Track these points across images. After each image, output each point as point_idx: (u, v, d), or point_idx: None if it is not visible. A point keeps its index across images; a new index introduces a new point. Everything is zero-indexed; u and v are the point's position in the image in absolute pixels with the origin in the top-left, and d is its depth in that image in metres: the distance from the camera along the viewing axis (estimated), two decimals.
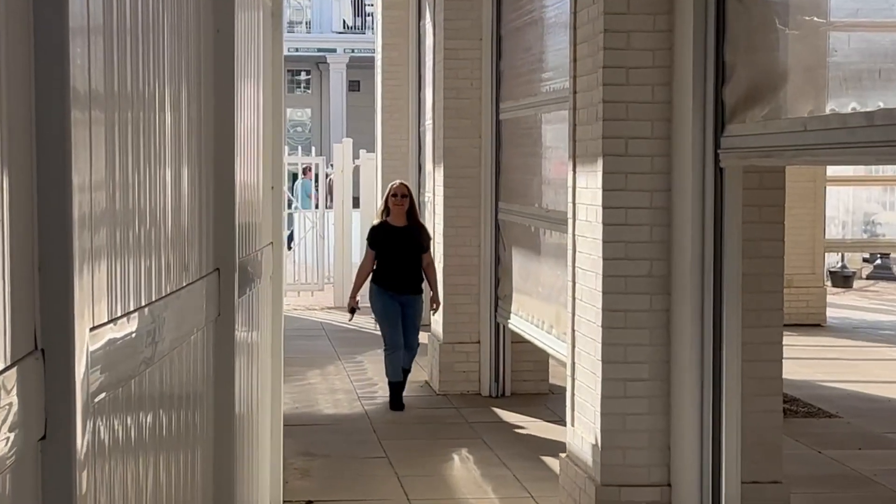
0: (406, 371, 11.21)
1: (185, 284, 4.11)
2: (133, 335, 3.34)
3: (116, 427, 3.16)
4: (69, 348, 2.54)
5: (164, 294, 3.76)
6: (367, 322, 16.82)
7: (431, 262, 11.36)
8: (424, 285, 11.31)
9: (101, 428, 2.98)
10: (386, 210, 11.19)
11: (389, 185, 11.53)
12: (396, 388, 11.06)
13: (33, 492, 2.49)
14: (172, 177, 3.91)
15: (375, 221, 11.43)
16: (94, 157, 2.87)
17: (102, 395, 2.96)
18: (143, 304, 3.46)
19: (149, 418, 3.62)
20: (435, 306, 11.57)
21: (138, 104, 3.42)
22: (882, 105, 5.05)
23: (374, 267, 11.17)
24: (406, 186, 11.41)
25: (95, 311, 2.91)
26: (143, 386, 3.48)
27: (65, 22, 2.51)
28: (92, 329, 2.80)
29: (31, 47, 2.46)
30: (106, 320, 3.01)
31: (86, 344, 2.67)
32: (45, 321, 2.50)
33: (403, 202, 11.07)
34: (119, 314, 3.16)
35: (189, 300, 4.18)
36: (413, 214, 11.24)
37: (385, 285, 11.04)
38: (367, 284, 11.37)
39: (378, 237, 11.15)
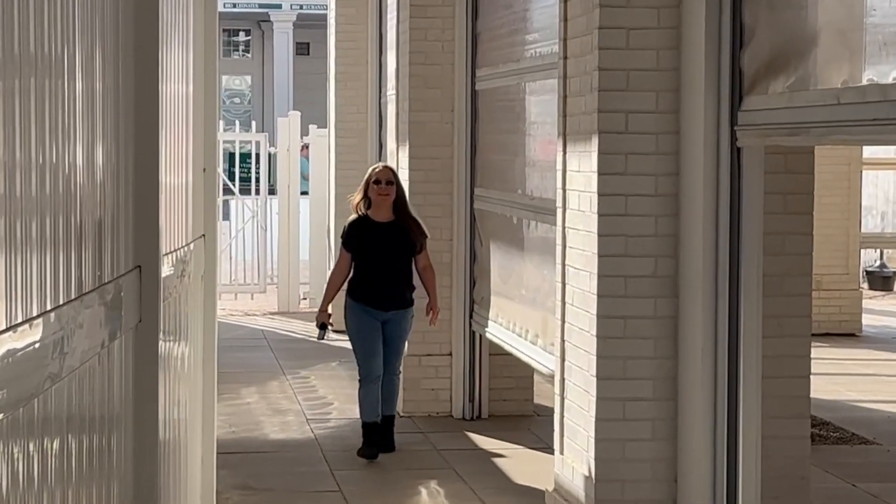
0: (388, 417, 10.23)
1: (99, 285, 4.10)
2: (37, 345, 3.32)
3: (16, 455, 3.14)
4: None
5: (74, 297, 3.74)
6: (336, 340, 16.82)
7: (429, 266, 10.45)
8: (416, 293, 10.41)
9: None
10: (366, 201, 10.21)
11: (370, 170, 10.56)
12: (370, 430, 10.06)
13: None
14: (84, 157, 3.89)
15: (353, 216, 10.41)
16: None
17: None
18: (48, 308, 3.45)
19: (55, 445, 3.59)
20: (433, 315, 10.56)
21: (43, 70, 3.40)
22: None
23: (351, 274, 10.24)
24: (392, 171, 10.60)
25: None
26: (48, 406, 3.46)
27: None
28: None
29: None
30: (3, 328, 3.00)
31: None
32: None
33: (389, 191, 10.12)
34: (19, 320, 3.14)
35: (103, 304, 4.16)
36: (402, 207, 10.24)
37: (364, 299, 10.08)
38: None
39: (356, 236, 10.22)
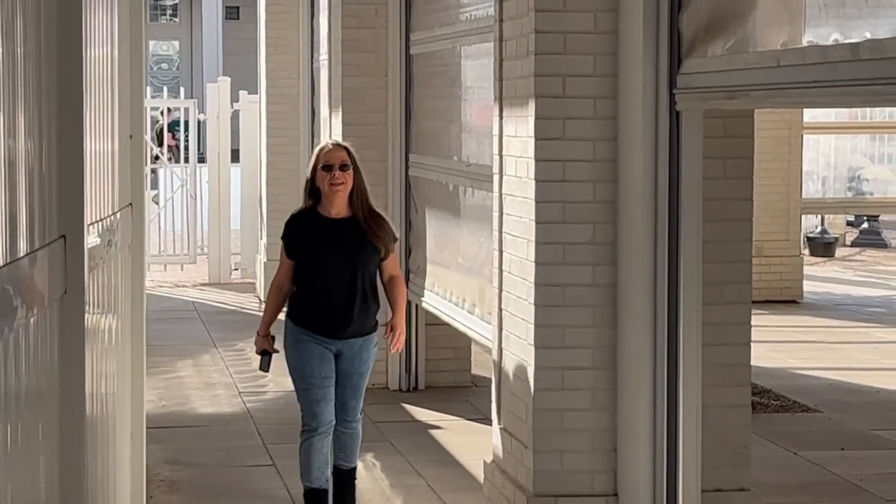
0: (346, 472, 7.78)
1: (21, 255, 4.07)
2: None
3: None
4: None
5: None
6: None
7: (397, 277, 7.81)
8: (381, 313, 7.87)
9: None
10: (314, 192, 7.62)
11: (317, 150, 7.83)
12: (316, 498, 7.63)
13: None
14: (3, 123, 3.86)
15: (296, 208, 7.86)
16: None
17: None
18: None
19: None
20: (393, 339, 7.74)
21: None
22: (869, 35, 5.10)
23: (294, 289, 7.68)
24: (347, 150, 7.63)
25: None
26: None
27: None
28: None
29: None
30: None
31: None
32: None
33: (344, 178, 7.44)
34: None
35: (27, 274, 4.14)
36: (361, 198, 7.53)
37: (309, 323, 7.48)
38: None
39: (299, 236, 7.59)
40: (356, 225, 7.48)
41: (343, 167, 7.42)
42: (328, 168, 7.42)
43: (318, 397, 7.47)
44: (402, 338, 7.78)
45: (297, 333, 7.52)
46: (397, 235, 7.98)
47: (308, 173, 7.71)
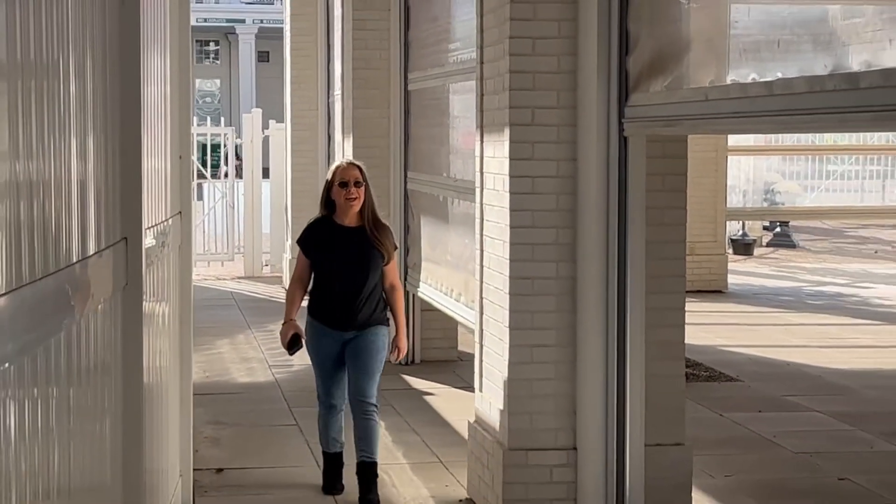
0: (368, 465, 7.26)
1: (91, 253, 4.07)
2: (40, 305, 3.30)
3: (21, 397, 3.11)
4: None
5: (73, 261, 3.72)
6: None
7: (397, 286, 7.40)
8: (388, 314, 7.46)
9: (10, 400, 2.94)
10: (329, 204, 7.30)
11: (333, 168, 7.41)
12: (332, 461, 7.49)
13: None
14: (78, 146, 3.86)
15: (314, 216, 7.55)
16: None
17: (5, 364, 2.91)
18: (53, 270, 3.42)
19: (55, 389, 3.57)
20: (398, 353, 7.43)
21: (42, 73, 3.37)
22: (780, 75, 5.11)
23: (311, 287, 7.43)
24: (359, 168, 7.31)
25: None
26: (49, 356, 3.43)
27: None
28: None
29: None
30: (4, 291, 2.96)
31: None
32: None
33: (358, 193, 7.15)
34: (21, 283, 3.11)
35: (98, 270, 4.13)
36: (371, 210, 7.26)
37: (323, 317, 7.24)
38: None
39: (316, 240, 7.28)
40: (365, 233, 7.15)
41: (357, 184, 7.13)
42: (344, 184, 7.12)
43: (331, 380, 7.29)
44: (404, 353, 7.49)
45: (314, 326, 7.29)
46: (397, 245, 7.58)
47: (325, 187, 7.34)
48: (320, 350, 7.28)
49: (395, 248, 7.40)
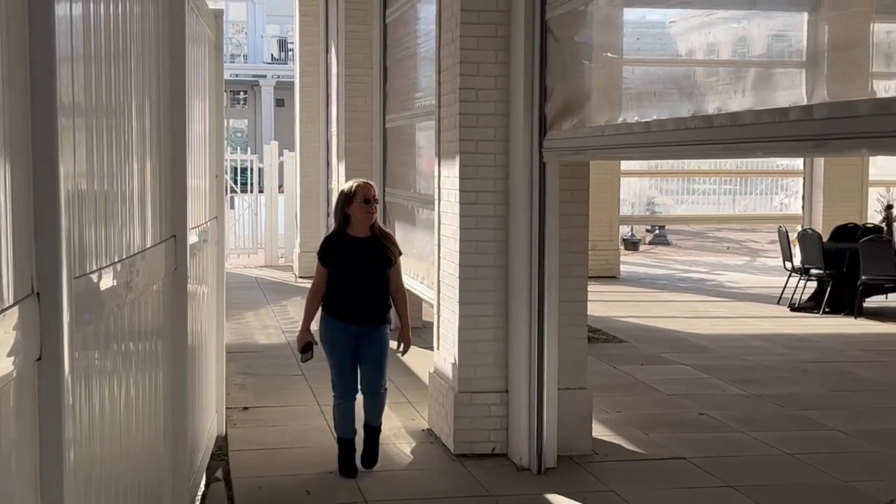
0: (373, 429, 6.55)
1: (150, 246, 4.06)
2: (114, 283, 3.30)
3: (95, 355, 3.11)
4: (58, 291, 2.50)
5: (134, 252, 3.72)
6: (301, 284, 16.72)
7: (401, 289, 6.52)
8: (392, 313, 6.62)
9: (84, 355, 2.93)
10: (344, 219, 6.37)
11: (352, 186, 6.39)
12: (346, 447, 6.45)
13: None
14: (138, 167, 3.85)
15: (329, 231, 6.62)
16: (77, 153, 2.83)
17: (85, 329, 2.91)
18: (118, 259, 3.42)
19: (122, 346, 3.57)
20: (403, 346, 6.52)
21: (111, 113, 3.36)
22: (656, 117, 5.15)
23: (327, 290, 6.39)
24: (374, 187, 6.50)
25: (80, 264, 2.86)
26: (117, 322, 3.43)
27: (52, 53, 2.47)
28: (76, 277, 2.76)
29: (27, 71, 2.42)
30: (87, 271, 2.97)
31: (71, 288, 2.63)
32: (40, 271, 2.46)
33: (375, 209, 6.37)
34: (98, 267, 3.11)
35: (154, 259, 4.13)
36: (376, 222, 6.45)
37: (338, 314, 6.34)
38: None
39: (333, 251, 6.35)
40: (375, 242, 6.34)
41: (375, 200, 6.34)
42: (368, 201, 6.26)
43: (346, 371, 6.36)
44: (409, 347, 6.52)
45: (331, 322, 6.35)
46: (401, 251, 6.56)
47: (342, 203, 6.35)
48: (337, 342, 6.33)
49: (400, 252, 6.50)
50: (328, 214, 15.88)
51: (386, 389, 6.56)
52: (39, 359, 2.46)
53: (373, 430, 6.53)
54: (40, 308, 2.45)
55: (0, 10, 2.22)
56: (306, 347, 6.36)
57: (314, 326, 6.46)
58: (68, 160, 2.68)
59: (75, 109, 2.80)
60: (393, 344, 6.53)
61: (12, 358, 2.24)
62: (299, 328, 6.45)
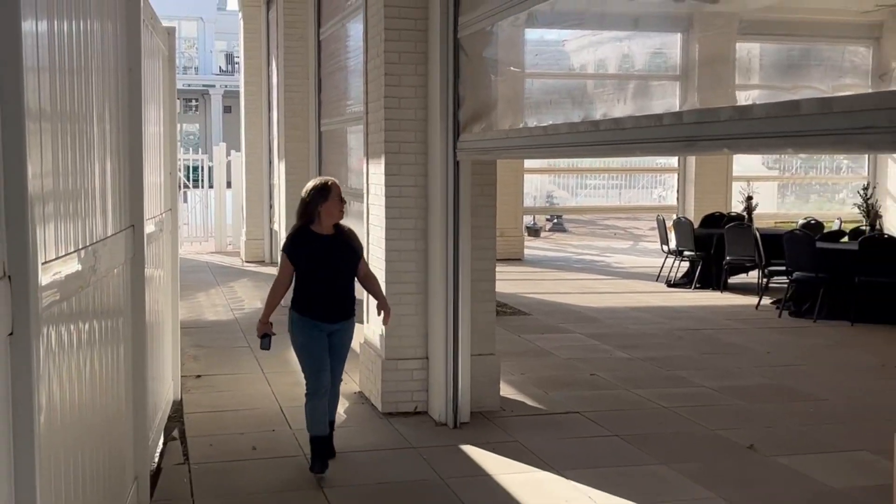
0: (331, 422, 5.78)
1: (110, 234, 3.99)
2: (78, 267, 3.24)
3: (62, 330, 3.05)
4: (27, 275, 2.46)
5: (96, 241, 3.65)
6: (247, 267, 16.52)
7: (370, 273, 5.86)
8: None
9: (52, 330, 2.88)
10: (311, 215, 5.54)
11: (325, 183, 5.60)
12: (320, 444, 5.58)
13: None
14: (99, 166, 3.77)
15: (293, 227, 5.63)
16: (43, 154, 2.77)
17: (52, 308, 2.85)
18: (82, 246, 3.35)
19: (90, 324, 3.50)
20: (384, 314, 5.85)
21: (74, 119, 3.29)
22: (552, 122, 5.19)
23: (294, 288, 5.57)
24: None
25: (47, 251, 2.81)
26: (81, 302, 3.37)
27: (19, 64, 2.41)
28: (44, 263, 2.71)
29: None
30: (54, 257, 2.90)
31: (38, 271, 2.59)
32: (10, 258, 2.42)
33: (345, 209, 5.63)
34: (63, 253, 3.05)
35: (114, 246, 4.05)
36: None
37: (312, 313, 5.49)
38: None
39: (302, 248, 5.49)
40: (340, 239, 5.56)
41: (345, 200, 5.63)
42: (342, 200, 5.55)
43: (319, 368, 5.50)
44: (390, 313, 5.88)
45: (302, 321, 5.51)
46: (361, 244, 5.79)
47: (311, 200, 5.54)
48: (312, 342, 5.49)
49: (362, 247, 5.79)
50: (270, 207, 15.73)
51: (342, 380, 5.82)
52: (11, 333, 2.41)
53: (332, 424, 5.77)
54: (11, 289, 2.40)
55: None
56: (264, 336, 5.55)
57: (276, 319, 5.71)
58: (35, 160, 2.63)
59: (41, 115, 2.75)
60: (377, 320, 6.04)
61: None
62: (259, 318, 5.60)
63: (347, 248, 5.58)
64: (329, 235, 5.53)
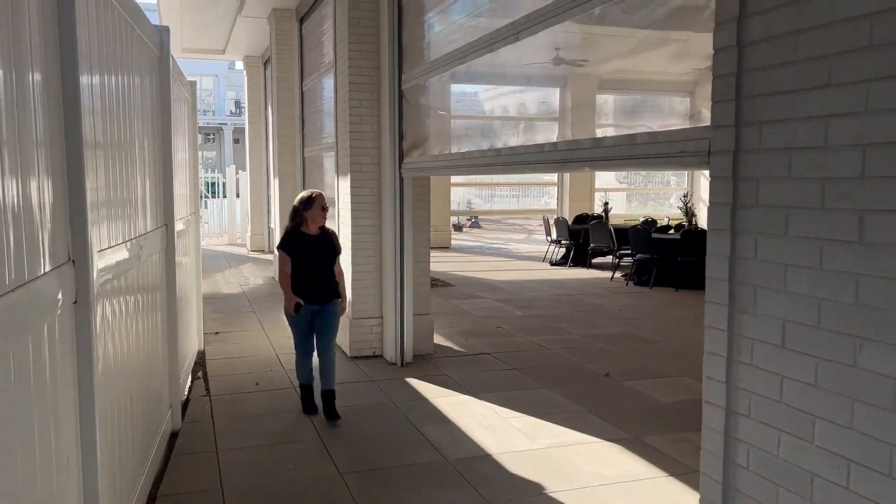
0: (330, 392, 5.21)
1: (149, 230, 3.90)
2: (126, 255, 3.17)
3: (114, 301, 2.99)
4: (87, 260, 2.40)
5: (140, 234, 3.57)
6: (251, 255, 16.22)
7: (342, 271, 5.32)
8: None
9: (106, 301, 2.82)
10: (301, 221, 5.16)
11: (309, 195, 5.18)
12: (306, 391, 5.36)
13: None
14: (140, 181, 3.69)
15: (288, 228, 5.22)
16: (98, 173, 2.70)
17: (106, 284, 2.79)
18: (128, 238, 3.28)
19: (136, 297, 3.43)
20: (342, 312, 5.28)
21: (122, 146, 3.21)
22: (468, 149, 5.20)
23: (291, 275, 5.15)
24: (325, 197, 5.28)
25: (101, 242, 2.74)
26: (128, 280, 3.30)
27: (79, 107, 2.35)
28: (100, 250, 2.65)
29: (62, 119, 2.30)
30: (107, 246, 2.84)
31: (94, 257, 2.53)
32: (74, 246, 2.36)
33: (326, 215, 5.22)
34: (114, 244, 2.98)
35: (152, 239, 3.97)
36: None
37: (301, 295, 5.14)
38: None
39: (295, 244, 5.14)
40: (324, 238, 5.17)
41: (328, 208, 5.22)
42: (325, 209, 5.15)
43: (305, 338, 5.21)
44: (344, 310, 5.25)
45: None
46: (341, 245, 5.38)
47: (300, 208, 5.15)
48: (298, 318, 5.15)
49: (341, 248, 5.38)
50: (268, 211, 15.47)
51: (335, 352, 5.26)
52: (75, 302, 2.35)
53: (330, 393, 5.22)
54: (75, 270, 2.35)
55: (49, 81, 2.10)
56: (297, 306, 5.11)
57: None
58: (91, 177, 2.56)
59: (96, 145, 2.68)
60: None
61: (59, 301, 2.14)
62: (285, 298, 5.14)
63: (328, 246, 5.21)
64: (315, 235, 5.16)
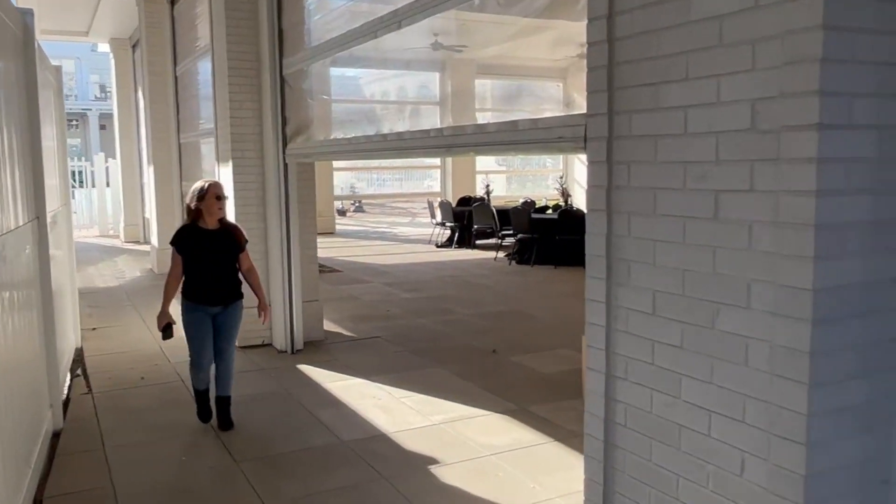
0: (224, 399, 4.73)
1: (21, 225, 3.67)
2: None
3: None
4: None
5: (7, 231, 3.35)
6: (125, 246, 15.42)
7: (252, 268, 4.73)
8: (245, 288, 4.75)
9: None
10: (195, 213, 4.58)
11: (203, 186, 4.61)
12: (202, 396, 4.77)
13: None
14: (10, 173, 3.47)
15: (182, 224, 4.67)
16: None
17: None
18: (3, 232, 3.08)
19: (4, 295, 3.23)
20: (265, 316, 4.72)
21: None
22: (353, 134, 5.22)
23: (184, 277, 4.58)
24: (222, 186, 4.69)
25: None
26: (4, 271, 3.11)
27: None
28: None
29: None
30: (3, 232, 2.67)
31: None
32: None
33: (224, 205, 4.61)
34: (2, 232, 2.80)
35: (22, 234, 3.74)
36: (224, 216, 4.64)
37: (198, 299, 4.56)
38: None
39: (187, 241, 4.55)
40: (224, 232, 4.60)
41: (224, 197, 4.61)
42: (220, 198, 4.56)
43: (201, 345, 4.58)
44: (269, 314, 5.11)
45: (191, 308, 4.56)
46: (248, 239, 4.77)
47: (195, 200, 4.58)
48: (197, 323, 4.56)
49: (247, 240, 4.74)
50: (142, 201, 14.73)
51: (234, 357, 4.75)
52: None
53: (225, 400, 4.74)
54: None
55: None
56: (166, 327, 4.50)
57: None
58: None
59: None
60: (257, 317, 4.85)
61: None
62: (159, 310, 4.56)
63: (228, 241, 4.61)
64: (213, 230, 4.57)
